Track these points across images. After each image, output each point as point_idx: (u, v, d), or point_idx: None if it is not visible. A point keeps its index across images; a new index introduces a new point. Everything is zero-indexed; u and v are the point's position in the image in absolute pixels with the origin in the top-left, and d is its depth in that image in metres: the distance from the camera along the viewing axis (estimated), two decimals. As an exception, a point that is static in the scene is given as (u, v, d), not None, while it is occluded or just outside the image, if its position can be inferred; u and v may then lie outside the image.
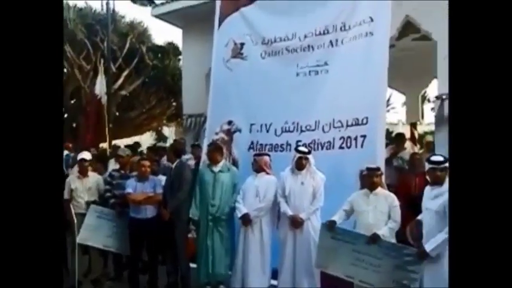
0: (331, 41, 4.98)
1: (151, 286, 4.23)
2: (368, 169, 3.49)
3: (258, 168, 4.09)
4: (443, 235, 2.87)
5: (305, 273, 3.78)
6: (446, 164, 3.00)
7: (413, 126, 8.97)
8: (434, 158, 3.12)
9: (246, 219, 3.96)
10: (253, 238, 4.00)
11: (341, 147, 4.61)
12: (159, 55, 13.58)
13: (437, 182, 3.04)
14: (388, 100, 17.87)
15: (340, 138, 4.63)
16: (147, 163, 4.16)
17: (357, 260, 3.31)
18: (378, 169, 3.52)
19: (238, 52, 5.87)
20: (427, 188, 3.17)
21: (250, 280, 3.96)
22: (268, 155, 4.34)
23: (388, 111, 18.78)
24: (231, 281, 4.12)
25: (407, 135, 7.19)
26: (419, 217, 3.22)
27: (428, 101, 16.81)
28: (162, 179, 4.35)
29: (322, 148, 4.72)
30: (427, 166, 3.10)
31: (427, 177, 3.18)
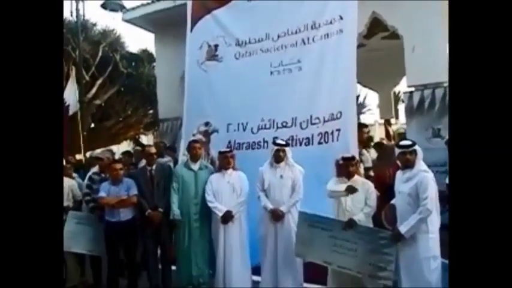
0: (303, 40, 5.11)
1: (132, 289, 4.16)
2: (344, 159, 3.57)
3: (226, 164, 4.10)
4: (417, 216, 2.99)
5: (288, 266, 3.80)
6: (415, 147, 3.13)
7: (387, 122, 9.26)
8: (403, 143, 3.25)
9: (228, 217, 3.96)
10: (234, 235, 4.00)
11: (320, 143, 4.73)
12: (133, 63, 13.42)
13: (408, 165, 3.15)
14: (364, 101, 18.24)
15: (319, 134, 4.76)
16: (118, 166, 4.10)
17: (334, 246, 3.39)
18: (353, 158, 3.61)
19: (212, 54, 5.92)
20: (399, 173, 3.28)
21: (234, 278, 3.96)
22: (232, 151, 4.36)
23: (364, 112, 19.20)
24: (214, 280, 4.10)
25: (383, 134, 7.39)
26: (392, 201, 3.32)
27: (403, 101, 17.29)
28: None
29: (300, 144, 4.83)
30: (397, 151, 3.22)
31: (398, 162, 3.29)
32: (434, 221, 3.07)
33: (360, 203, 3.47)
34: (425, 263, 3.00)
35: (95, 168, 4.59)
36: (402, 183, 3.18)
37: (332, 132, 4.65)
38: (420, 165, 3.15)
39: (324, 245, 3.44)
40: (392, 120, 10.34)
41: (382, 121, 11.06)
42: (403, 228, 3.04)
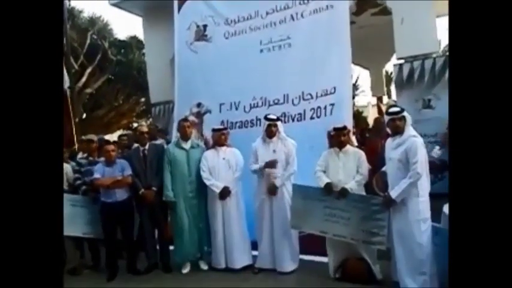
0: (292, 16, 5.10)
1: (131, 269, 4.21)
2: (335, 129, 3.60)
3: (220, 141, 4.12)
4: (407, 181, 3.04)
5: (284, 239, 3.85)
6: (404, 114, 3.17)
7: (379, 99, 9.29)
8: (391, 110, 3.28)
9: (226, 193, 3.99)
10: (232, 210, 4.03)
11: (312, 118, 4.77)
12: (122, 50, 13.27)
13: (398, 132, 3.19)
14: (356, 82, 18.22)
15: (311, 110, 4.80)
16: (111, 147, 4.10)
17: (328, 216, 3.45)
18: (345, 128, 3.63)
19: (201, 34, 5.88)
20: (389, 140, 3.32)
21: (235, 253, 4.01)
22: (227, 129, 4.40)
23: (357, 94, 19.18)
24: (212, 257, 4.15)
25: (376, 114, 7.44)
26: (383, 169, 3.37)
27: (391, 76, 17.34)
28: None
29: (293, 120, 4.88)
30: (387, 119, 3.25)
31: (388, 130, 3.33)
32: (424, 185, 3.12)
33: (352, 171, 3.52)
34: (416, 226, 3.06)
35: (81, 153, 4.59)
36: (392, 149, 3.22)
37: (325, 107, 4.70)
38: (409, 131, 3.18)
39: (319, 215, 3.50)
40: (385, 98, 10.37)
41: (375, 102, 11.09)
42: (394, 193, 3.10)
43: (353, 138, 4.25)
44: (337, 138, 3.60)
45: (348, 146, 3.63)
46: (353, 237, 3.34)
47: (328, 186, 3.50)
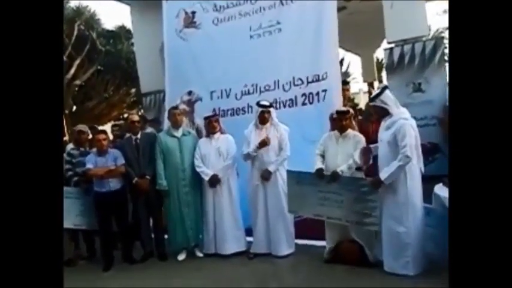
0: (281, 1, 5.03)
1: (127, 259, 4.22)
2: (338, 112, 3.60)
3: (212, 129, 4.11)
4: (396, 163, 3.06)
5: (279, 223, 3.89)
6: (381, 97, 3.21)
7: (370, 85, 9.32)
8: (372, 95, 3.32)
9: (215, 180, 4.00)
10: (223, 198, 4.06)
11: (303, 104, 4.77)
12: (111, 40, 13.04)
13: (382, 115, 3.23)
14: (347, 69, 18.21)
15: (302, 95, 4.79)
16: (101, 136, 4.07)
17: (322, 200, 3.50)
18: (348, 112, 3.62)
19: (190, 21, 5.80)
20: (382, 122, 3.34)
21: (227, 240, 4.04)
22: (217, 115, 4.39)
23: (348, 82, 19.21)
24: (205, 244, 4.18)
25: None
26: (371, 146, 3.43)
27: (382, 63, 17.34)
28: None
29: (284, 106, 4.87)
30: (373, 104, 3.28)
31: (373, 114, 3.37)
32: (414, 169, 3.13)
33: (350, 156, 3.52)
34: (404, 210, 3.10)
35: (71, 145, 4.54)
36: (384, 131, 3.24)
37: (317, 93, 4.69)
38: (400, 112, 3.18)
39: (313, 199, 3.54)
40: (376, 84, 10.40)
41: (367, 89, 11.11)
42: (383, 175, 3.12)
43: (354, 123, 4.25)
44: (338, 122, 3.60)
45: (349, 130, 3.62)
46: (347, 219, 3.39)
47: (319, 172, 3.52)
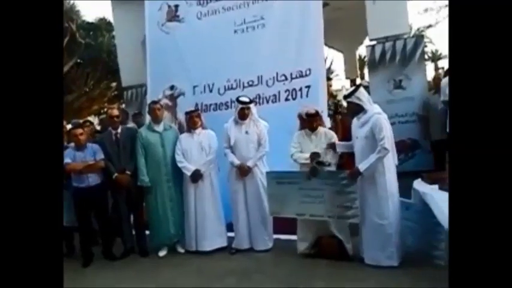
0: (265, -4, 5.01)
1: (107, 255, 4.16)
2: (307, 115, 3.63)
3: (193, 124, 4.08)
4: (375, 155, 3.15)
5: (259, 219, 3.91)
6: (356, 93, 3.28)
7: (352, 82, 9.41)
8: (346, 93, 3.39)
9: (197, 175, 3.98)
10: (205, 193, 4.04)
11: (287, 99, 4.78)
12: (91, 32, 12.78)
13: (357, 111, 3.29)
14: (330, 66, 18.31)
15: (286, 91, 4.80)
16: (78, 131, 3.98)
17: (303, 197, 3.51)
18: (317, 114, 3.66)
19: (173, 15, 5.73)
20: (354, 120, 3.41)
21: (208, 236, 4.02)
22: (198, 110, 4.35)
23: (331, 78, 19.32)
24: (186, 239, 4.15)
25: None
26: (341, 143, 3.54)
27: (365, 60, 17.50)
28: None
29: (267, 102, 4.87)
30: (348, 100, 3.34)
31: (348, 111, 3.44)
32: (390, 161, 3.23)
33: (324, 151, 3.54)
34: (384, 201, 3.19)
35: None
36: (358, 128, 3.32)
37: (301, 89, 4.71)
38: (373, 108, 3.28)
39: (295, 198, 3.55)
40: (358, 81, 10.50)
41: (349, 86, 11.17)
42: (362, 166, 3.20)
43: (327, 120, 4.31)
44: (309, 124, 3.64)
45: (319, 128, 3.68)
46: (329, 214, 3.42)
47: (312, 156, 3.46)
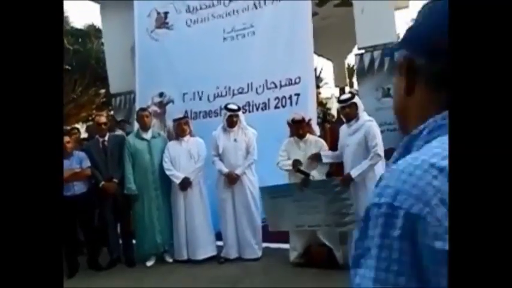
0: (254, 4, 5.05)
1: (93, 265, 4.06)
2: (294, 121, 3.62)
3: (181, 132, 4.05)
4: (368, 162, 3.16)
5: (248, 227, 3.87)
6: (354, 100, 3.28)
7: (341, 90, 9.48)
8: (342, 97, 3.39)
9: (186, 183, 3.93)
10: (194, 201, 4.00)
11: (276, 107, 4.79)
12: (80, 39, 12.68)
13: (350, 118, 3.29)
14: (320, 74, 18.49)
15: (275, 99, 4.81)
16: (65, 139, 3.91)
17: (299, 209, 3.48)
18: (303, 120, 3.66)
19: (162, 22, 5.72)
20: (343, 127, 3.42)
21: (198, 245, 3.96)
22: (187, 118, 4.31)
23: (321, 86, 19.49)
24: (175, 249, 4.09)
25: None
26: (328, 153, 3.50)
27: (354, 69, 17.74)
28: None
29: (257, 109, 4.87)
30: (338, 106, 3.35)
31: (342, 117, 3.43)
32: (380, 168, 3.23)
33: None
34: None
35: None
36: (349, 135, 3.33)
37: (290, 97, 4.72)
38: (364, 115, 3.31)
39: (291, 210, 3.52)
40: (347, 89, 10.60)
41: (338, 94, 11.26)
42: (354, 172, 3.20)
43: (316, 128, 4.31)
44: (296, 130, 3.64)
45: (308, 135, 3.67)
46: (326, 223, 3.39)
47: (294, 163, 3.47)
